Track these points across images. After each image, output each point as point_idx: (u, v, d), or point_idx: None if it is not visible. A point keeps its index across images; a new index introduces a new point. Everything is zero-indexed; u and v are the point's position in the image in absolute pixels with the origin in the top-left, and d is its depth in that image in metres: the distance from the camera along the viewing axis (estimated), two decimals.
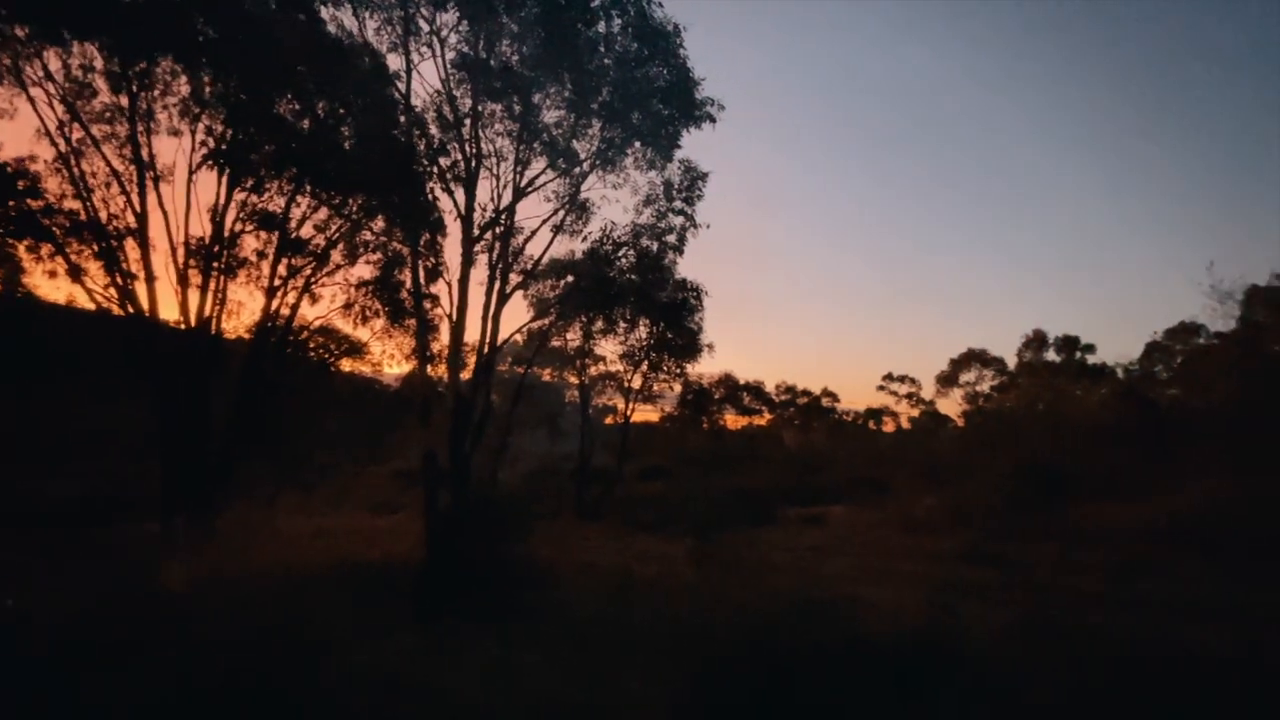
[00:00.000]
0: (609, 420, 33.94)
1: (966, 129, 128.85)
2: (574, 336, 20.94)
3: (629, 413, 25.72)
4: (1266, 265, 50.45)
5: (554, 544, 12.77)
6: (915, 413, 46.60)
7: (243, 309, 13.82)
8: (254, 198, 12.84)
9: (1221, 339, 23.89)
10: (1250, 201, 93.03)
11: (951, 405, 43.58)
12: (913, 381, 45.87)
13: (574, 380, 25.90)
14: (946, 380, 41.76)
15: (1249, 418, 16.05)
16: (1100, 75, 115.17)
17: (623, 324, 20.17)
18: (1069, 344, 36.56)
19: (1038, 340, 37.56)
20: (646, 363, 22.79)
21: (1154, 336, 32.54)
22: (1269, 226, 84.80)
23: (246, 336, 13.91)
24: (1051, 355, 36.74)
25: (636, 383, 24.05)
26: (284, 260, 13.72)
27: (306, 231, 13.75)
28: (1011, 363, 39.22)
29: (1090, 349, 36.26)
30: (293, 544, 13.32)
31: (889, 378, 46.42)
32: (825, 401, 46.54)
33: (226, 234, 12.51)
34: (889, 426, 48.50)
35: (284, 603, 7.86)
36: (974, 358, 40.70)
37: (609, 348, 24.55)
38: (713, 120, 12.83)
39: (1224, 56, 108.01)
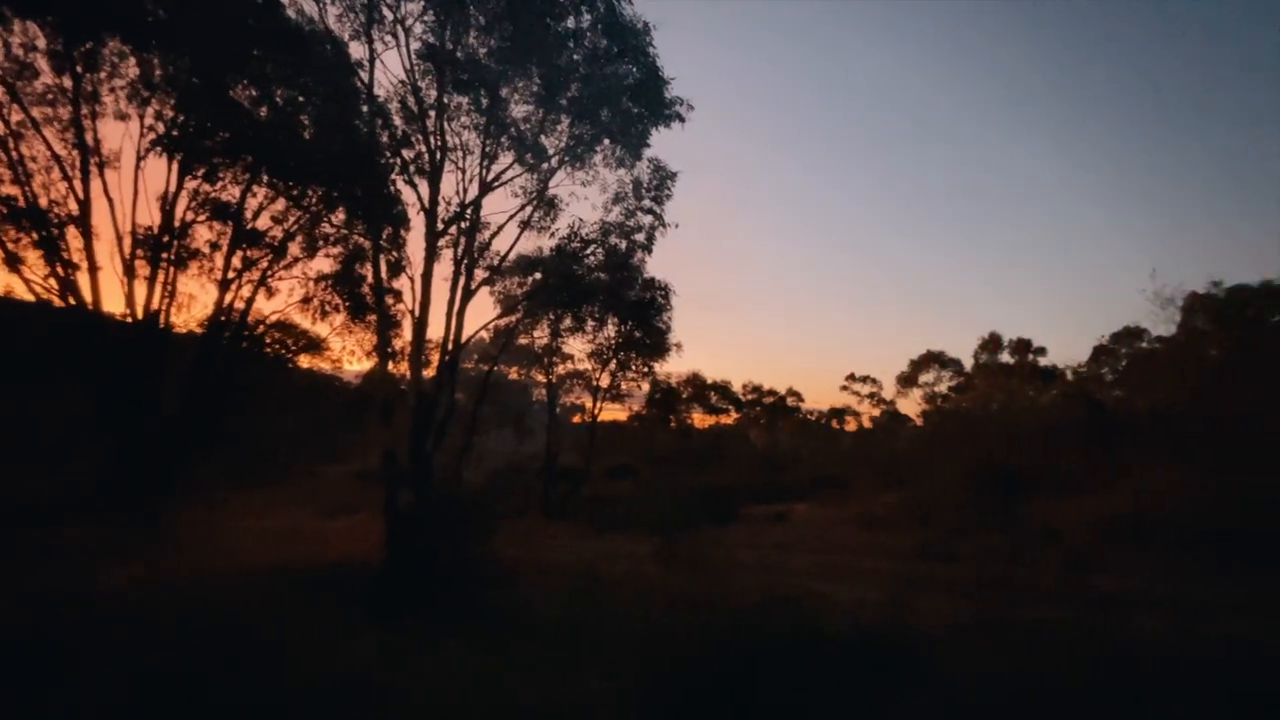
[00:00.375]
0: (577, 419, 33.83)
1: (933, 133, 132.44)
2: (541, 334, 20.79)
3: (596, 411, 25.70)
4: (1205, 273, 53.16)
5: (519, 543, 12.64)
6: (876, 412, 47.70)
7: (194, 302, 13.34)
8: (207, 186, 12.39)
9: (1163, 343, 25.07)
10: (1191, 212, 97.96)
11: (911, 405, 44.73)
12: (874, 382, 46.93)
13: (541, 379, 25.72)
14: (906, 381, 42.85)
15: (1187, 418, 16.88)
16: (1058, 86, 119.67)
17: (591, 322, 20.12)
18: (1022, 346, 37.91)
19: (993, 343, 38.84)
20: (615, 361, 22.78)
21: (1101, 340, 34.00)
22: (1208, 236, 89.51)
23: (198, 331, 13.44)
24: (1006, 357, 38.03)
25: (604, 381, 24.02)
26: (239, 252, 13.28)
27: (263, 223, 13.31)
28: (968, 364, 40.48)
29: (1042, 351, 37.72)
30: (246, 546, 12.89)
31: (851, 378, 47.38)
32: (790, 401, 47.25)
33: (177, 224, 12.03)
34: (851, 426, 49.54)
35: (234, 606, 7.60)
36: (933, 359, 41.84)
37: (577, 346, 24.48)
38: (681, 120, 12.89)
39: (1174, 70, 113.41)
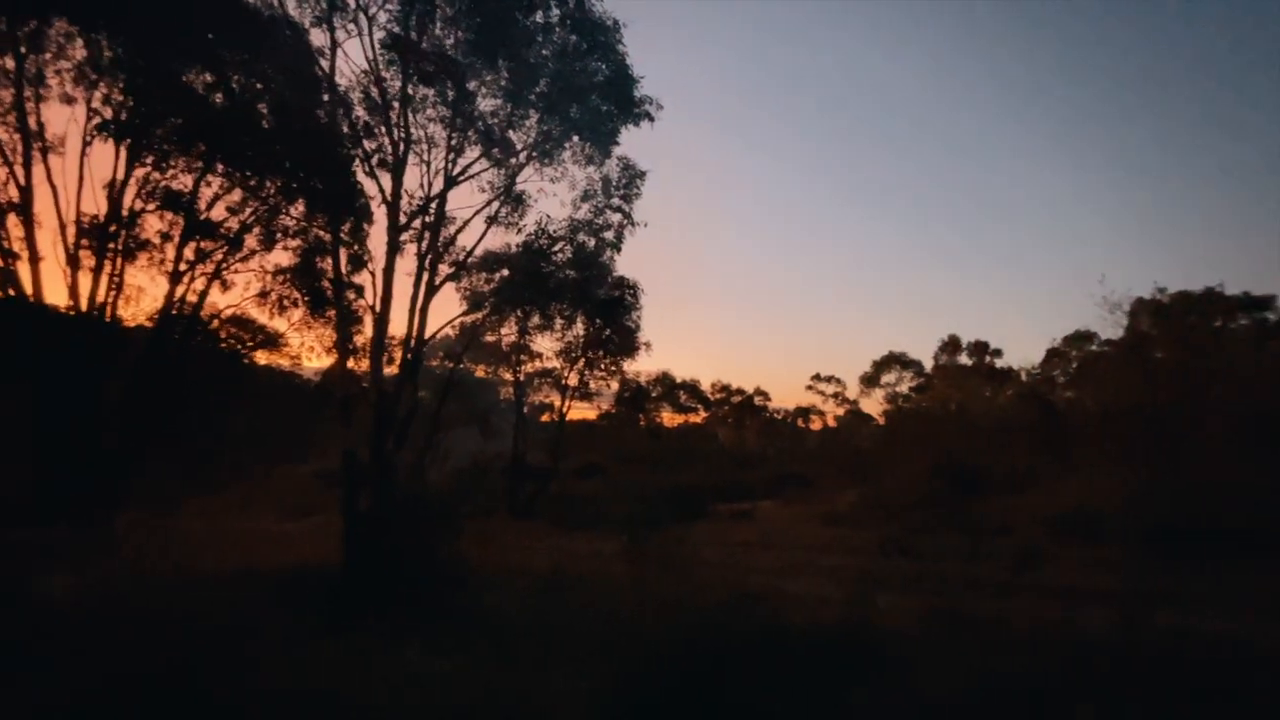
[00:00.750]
0: (545, 418, 33.58)
1: (902, 135, 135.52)
2: (509, 332, 20.56)
3: (565, 410, 25.53)
4: (1151, 278, 55.62)
5: (485, 544, 12.45)
6: (841, 412, 48.65)
7: (143, 295, 12.86)
8: (157, 174, 11.92)
9: (1111, 345, 26.11)
10: (1140, 218, 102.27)
11: (874, 405, 45.73)
12: (839, 381, 47.85)
13: (509, 377, 25.46)
14: (869, 381, 43.81)
15: (1134, 417, 17.62)
16: (1015, 93, 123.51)
17: (560, 320, 19.98)
18: (980, 348, 39.06)
19: (952, 344, 39.93)
20: (583, 360, 22.67)
21: (1053, 343, 35.19)
22: (1155, 242, 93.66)
23: (148, 325, 12.92)
24: (965, 359, 39.13)
25: (573, 380, 23.88)
26: (191, 243, 12.82)
27: (218, 213, 12.90)
28: (929, 365, 41.56)
29: (999, 353, 38.93)
30: (196, 549, 12.41)
31: (817, 378, 48.24)
32: (758, 400, 47.91)
33: (125, 213, 11.55)
34: (816, 425, 50.46)
35: (182, 613, 7.30)
36: (894, 360, 42.86)
37: (545, 344, 24.28)
38: (651, 119, 12.88)
39: (1127, 78, 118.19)
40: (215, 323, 15.09)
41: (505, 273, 15.04)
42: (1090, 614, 8.14)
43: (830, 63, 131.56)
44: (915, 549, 13.32)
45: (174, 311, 12.65)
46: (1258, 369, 18.39)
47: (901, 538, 14.19)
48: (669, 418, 42.61)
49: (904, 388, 42.62)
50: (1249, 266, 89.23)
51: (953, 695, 5.59)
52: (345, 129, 11.81)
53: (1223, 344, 22.26)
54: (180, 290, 12.74)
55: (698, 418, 45.52)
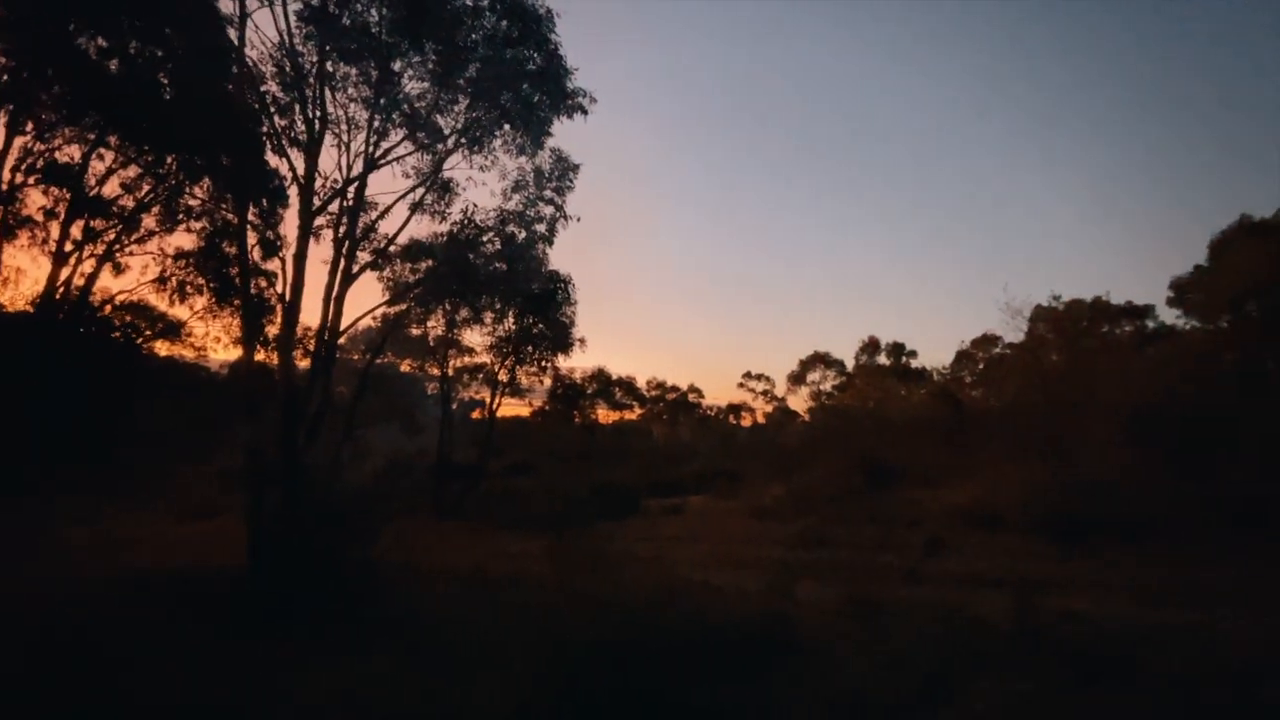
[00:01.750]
0: (476, 414, 32.75)
1: (838, 141, 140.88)
2: (436, 325, 19.91)
3: (495, 407, 24.95)
4: (1048, 286, 60.27)
5: (406, 545, 12.02)
6: (770, 409, 50.14)
7: (23, 277, 11.73)
8: (41, 145, 10.82)
9: (1013, 348, 28.08)
10: (1041, 226, 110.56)
11: (800, 402, 47.39)
12: (768, 379, 49.30)
13: (436, 372, 24.65)
14: (796, 379, 45.37)
15: (1031, 414, 19.03)
16: (931, 105, 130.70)
17: (490, 314, 19.51)
18: (897, 350, 41.15)
19: (872, 345, 41.88)
20: (514, 355, 22.23)
21: (963, 345, 37.51)
22: (1051, 252, 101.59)
23: (28, 310, 11.76)
24: (883, 359, 41.11)
25: (504, 376, 23.36)
26: (79, 221, 11.74)
27: (111, 190, 11.90)
28: (850, 365, 43.40)
29: (914, 354, 41.15)
30: (79, 554, 11.41)
31: (748, 375, 49.58)
32: (692, 397, 48.67)
33: (4, 186, 10.43)
34: (747, 421, 51.73)
35: (59, 625, 6.64)
36: (819, 359, 44.53)
37: (475, 339, 23.66)
38: (584, 111, 12.70)
39: (1026, 93, 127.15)
40: (108, 309, 13.89)
41: (431, 263, 14.48)
42: (988, 598, 8.73)
43: (766, 63, 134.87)
44: (833, 540, 13.86)
45: (58, 296, 11.55)
46: (1137, 372, 20.24)
47: (821, 529, 14.74)
48: (604, 415, 42.58)
49: (828, 386, 44.37)
50: (1131, 278, 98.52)
51: (861, 678, 5.85)
52: (255, 104, 11.04)
53: (1108, 348, 24.41)
54: (66, 272, 11.69)
55: (633, 414, 45.74)
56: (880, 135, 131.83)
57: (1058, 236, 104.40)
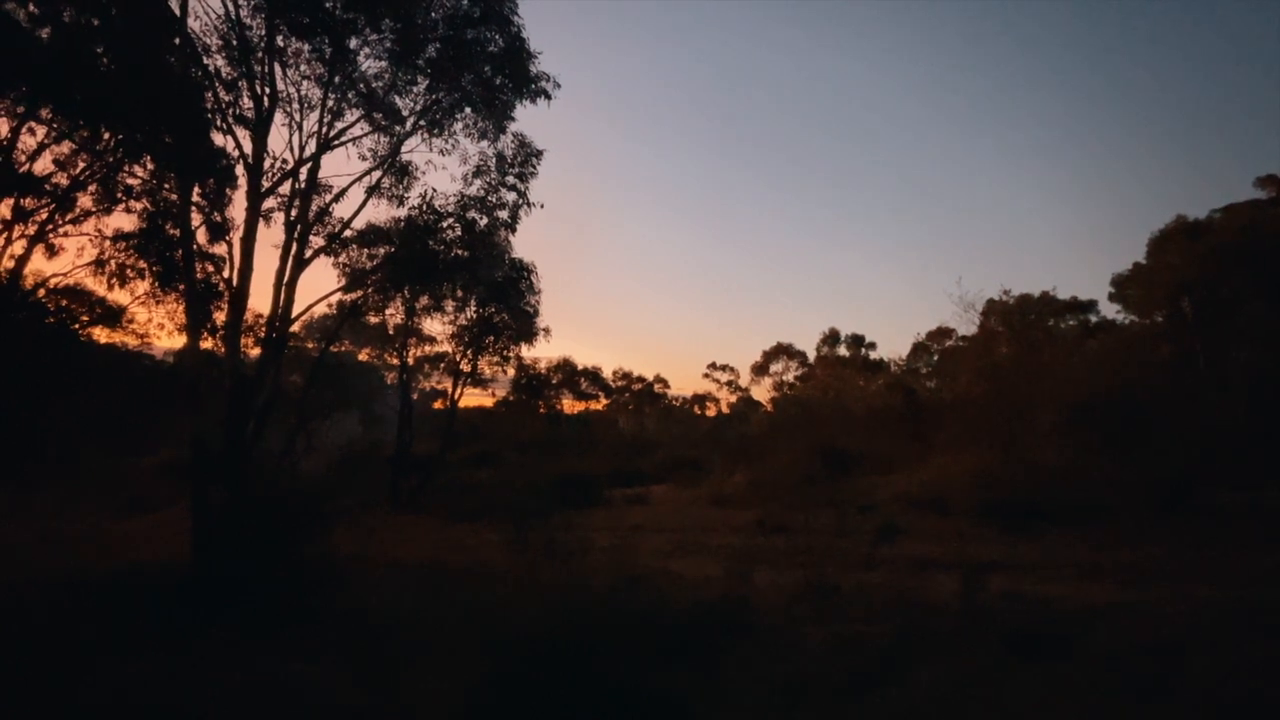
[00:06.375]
0: (439, 404, 32.15)
1: (803, 133, 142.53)
2: (394, 313, 19.41)
3: (457, 397, 24.53)
4: (1000, 281, 62.40)
5: (361, 539, 11.76)
6: (734, 399, 50.79)
7: None
8: None
9: (966, 341, 29.03)
10: (994, 222, 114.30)
11: (763, 392, 48.13)
12: (732, 370, 49.88)
13: (395, 361, 24.08)
14: (759, 370, 46.09)
15: (982, 405, 19.70)
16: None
17: (451, 302, 19.13)
18: (856, 341, 42.16)
19: (832, 337, 42.79)
20: (476, 345, 21.87)
21: (919, 337, 38.68)
22: (1004, 247, 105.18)
23: None
24: (843, 350, 42.04)
25: (466, 365, 22.96)
26: (8, 200, 11.07)
27: (43, 166, 11.24)
28: (812, 356, 44.26)
29: (873, 346, 42.21)
30: (12, 554, 10.82)
31: (713, 366, 50.08)
32: (657, 387, 48.89)
33: None
34: (711, 411, 52.26)
35: None
36: (783, 350, 45.27)
37: (436, 327, 23.19)
38: (548, 96, 12.48)
39: (983, 93, 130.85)
40: (41, 293, 13.15)
41: (389, 249, 14.09)
42: (939, 581, 9.04)
43: (730, 54, 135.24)
44: (792, 526, 14.13)
45: None
46: (1080, 364, 21.15)
47: (780, 516, 15.00)
48: (570, 405, 42.38)
49: (790, 377, 45.17)
50: (1078, 273, 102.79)
51: (814, 660, 5.99)
52: (200, 78, 10.51)
53: (1054, 341, 25.44)
54: None
55: (599, 405, 45.66)
56: (851, 134, 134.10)
57: (1010, 232, 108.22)
